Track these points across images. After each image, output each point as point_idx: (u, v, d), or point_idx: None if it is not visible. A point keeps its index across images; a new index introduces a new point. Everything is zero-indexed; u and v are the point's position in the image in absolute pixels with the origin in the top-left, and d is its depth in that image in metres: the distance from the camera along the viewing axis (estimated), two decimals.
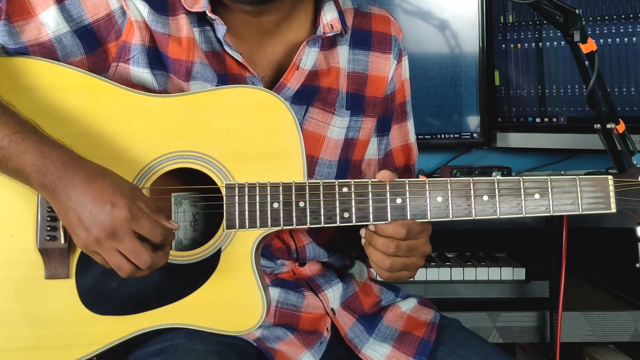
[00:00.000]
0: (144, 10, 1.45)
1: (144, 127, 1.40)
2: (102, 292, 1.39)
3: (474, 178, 1.39)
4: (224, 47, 1.49)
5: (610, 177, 1.38)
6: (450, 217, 1.39)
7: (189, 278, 1.40)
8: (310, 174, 1.54)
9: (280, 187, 1.39)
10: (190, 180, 1.40)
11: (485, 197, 1.39)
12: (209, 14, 1.46)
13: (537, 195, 1.38)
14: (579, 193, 1.38)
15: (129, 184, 1.33)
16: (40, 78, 1.40)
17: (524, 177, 1.39)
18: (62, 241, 1.37)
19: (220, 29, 1.47)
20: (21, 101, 1.35)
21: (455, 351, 1.52)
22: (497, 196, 1.39)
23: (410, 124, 1.74)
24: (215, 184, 1.40)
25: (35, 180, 1.29)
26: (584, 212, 1.38)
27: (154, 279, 1.39)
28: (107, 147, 1.39)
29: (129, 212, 1.27)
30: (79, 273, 1.39)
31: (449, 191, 1.39)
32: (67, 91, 1.40)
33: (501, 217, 1.39)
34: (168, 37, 1.47)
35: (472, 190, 1.39)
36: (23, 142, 1.28)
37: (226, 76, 1.49)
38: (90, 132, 1.35)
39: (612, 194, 1.38)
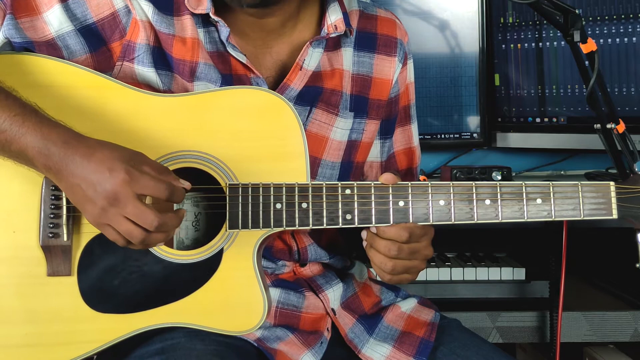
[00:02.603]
0: (149, 10, 1.45)
1: (149, 126, 1.40)
2: (104, 290, 1.39)
3: (476, 182, 1.39)
4: (228, 49, 1.48)
5: (612, 183, 1.38)
6: (453, 220, 1.38)
7: (191, 277, 1.40)
8: (313, 175, 1.54)
9: (284, 188, 1.39)
10: (193, 180, 1.39)
11: (488, 202, 1.39)
12: (212, 16, 1.45)
13: (539, 200, 1.38)
14: (580, 199, 1.38)
15: (131, 151, 1.31)
16: (47, 75, 1.39)
17: (526, 182, 1.39)
18: (65, 238, 1.37)
19: (224, 31, 1.47)
20: (27, 98, 1.33)
21: (456, 351, 1.53)
22: (499, 200, 1.39)
23: (414, 128, 1.74)
24: (218, 184, 1.40)
25: (38, 162, 1.28)
26: (585, 218, 1.38)
27: (155, 278, 1.39)
28: None
29: (127, 174, 1.25)
30: (81, 270, 1.39)
31: (452, 195, 1.39)
32: (73, 89, 1.40)
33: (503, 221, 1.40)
34: (172, 37, 1.46)
35: (474, 195, 1.39)
36: (24, 125, 1.27)
37: (230, 77, 1.49)
38: (95, 130, 1.34)
39: (613, 200, 1.38)
